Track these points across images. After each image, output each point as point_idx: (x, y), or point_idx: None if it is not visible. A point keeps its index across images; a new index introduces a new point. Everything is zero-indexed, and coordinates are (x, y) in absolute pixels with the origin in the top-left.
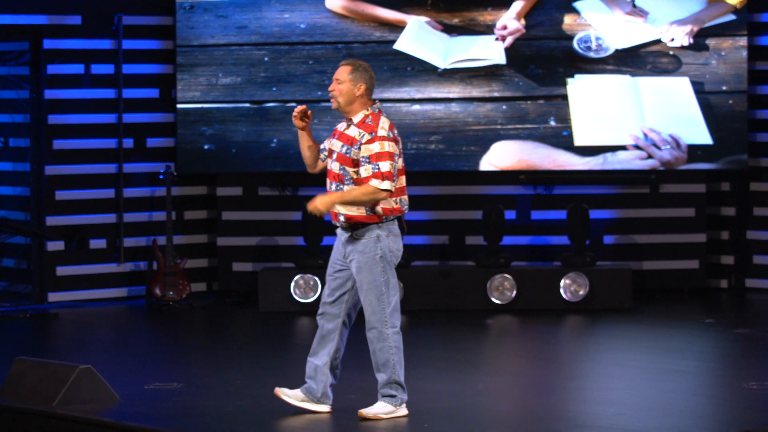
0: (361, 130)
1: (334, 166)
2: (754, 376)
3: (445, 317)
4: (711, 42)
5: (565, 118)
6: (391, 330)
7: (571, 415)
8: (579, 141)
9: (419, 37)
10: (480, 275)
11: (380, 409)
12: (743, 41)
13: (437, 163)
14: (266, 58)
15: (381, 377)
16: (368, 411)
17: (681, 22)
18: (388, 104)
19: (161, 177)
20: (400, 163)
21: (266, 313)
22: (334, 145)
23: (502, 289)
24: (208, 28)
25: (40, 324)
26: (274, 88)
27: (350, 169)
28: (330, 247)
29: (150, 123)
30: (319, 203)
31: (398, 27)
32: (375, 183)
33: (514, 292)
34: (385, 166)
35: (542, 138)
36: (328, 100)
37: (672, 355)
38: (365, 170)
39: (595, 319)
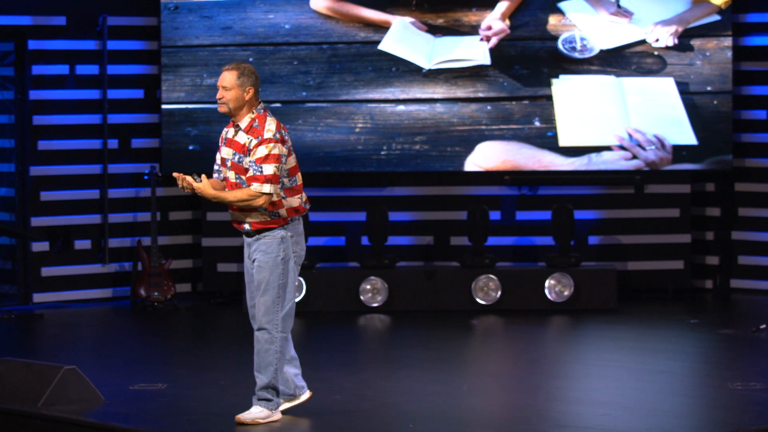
0: (249, 136)
1: (230, 175)
2: (739, 377)
3: (430, 318)
4: (696, 42)
5: (549, 119)
6: (280, 335)
7: (556, 416)
8: (564, 141)
9: (404, 38)
10: (465, 276)
11: (257, 414)
12: (728, 42)
13: (422, 164)
14: (251, 59)
15: (261, 380)
16: (245, 416)
17: (666, 22)
18: (373, 105)
19: (146, 178)
20: (292, 161)
21: None
22: (226, 153)
23: (486, 290)
24: (192, 28)
25: (24, 325)
26: (259, 89)
27: (245, 177)
28: (313, 248)
29: (135, 124)
30: (201, 189)
31: (383, 27)
32: (255, 186)
33: (499, 293)
34: (268, 169)
35: (527, 138)
36: (313, 101)
37: (657, 355)
38: (249, 173)
39: (579, 319)
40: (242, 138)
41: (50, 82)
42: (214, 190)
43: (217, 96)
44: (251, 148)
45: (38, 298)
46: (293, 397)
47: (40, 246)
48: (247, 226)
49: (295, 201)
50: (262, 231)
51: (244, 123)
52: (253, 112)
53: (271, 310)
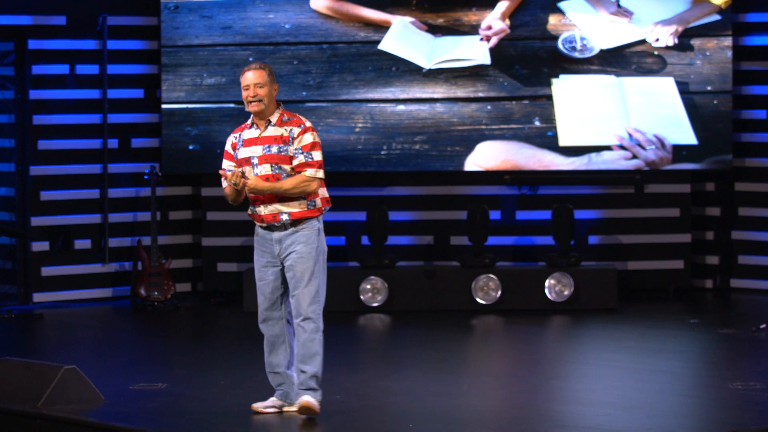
0: (286, 127)
1: (262, 170)
2: (739, 377)
3: (430, 318)
4: (696, 42)
5: (549, 119)
6: (323, 324)
7: (556, 416)
8: (564, 141)
9: (404, 38)
10: (465, 275)
11: (314, 402)
12: (728, 41)
13: (422, 164)
14: (251, 59)
15: (309, 369)
16: (313, 403)
17: (666, 22)
18: (373, 104)
19: (146, 177)
20: None
21: (251, 313)
22: (251, 151)
23: (486, 290)
24: (192, 28)
25: (24, 324)
26: None
27: (287, 167)
28: None
29: (135, 123)
30: (255, 183)
31: (383, 27)
32: (311, 172)
33: (499, 293)
34: (317, 155)
35: (527, 138)
36: (313, 101)
37: (657, 355)
38: (297, 160)
39: (579, 319)
40: (275, 131)
41: (50, 82)
42: (267, 183)
43: (250, 95)
44: (294, 136)
45: (38, 297)
46: (291, 402)
47: (40, 246)
48: (285, 217)
49: (325, 192)
50: (300, 222)
51: (274, 118)
52: (279, 107)
53: (315, 299)
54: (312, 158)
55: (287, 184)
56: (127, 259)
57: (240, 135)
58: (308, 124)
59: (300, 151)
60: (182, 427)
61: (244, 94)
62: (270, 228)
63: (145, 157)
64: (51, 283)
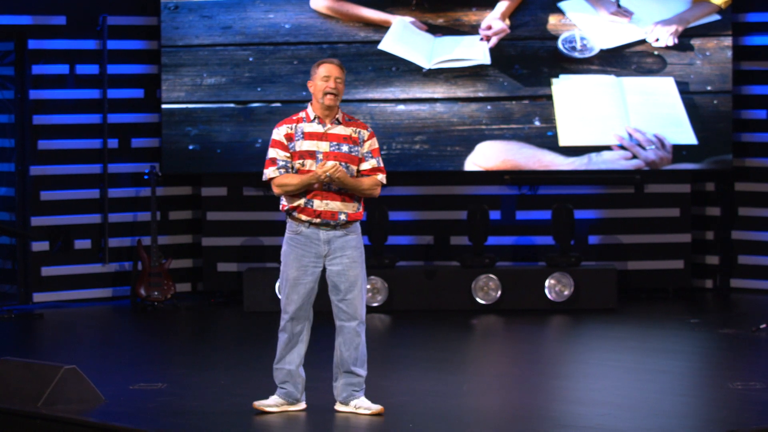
0: (353, 128)
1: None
2: (739, 377)
3: (430, 317)
4: (696, 42)
5: (549, 119)
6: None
7: (556, 415)
8: (564, 141)
9: (404, 38)
10: (465, 275)
11: (371, 404)
12: (728, 41)
13: (422, 164)
14: (251, 59)
15: (363, 373)
16: (375, 407)
17: (666, 22)
18: (373, 104)
19: (146, 177)
20: None
21: (251, 313)
22: (315, 145)
23: (486, 290)
24: (192, 28)
25: (24, 324)
26: (259, 89)
27: (354, 167)
28: None
29: (135, 123)
30: (335, 172)
31: (383, 27)
32: (381, 177)
33: (499, 293)
34: (381, 161)
35: (527, 138)
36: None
37: (657, 355)
38: (369, 164)
39: (579, 319)
40: (344, 129)
41: (50, 82)
42: (347, 177)
43: (330, 86)
44: (365, 139)
45: (38, 297)
46: (295, 401)
47: (40, 246)
48: (343, 216)
49: None
50: (350, 224)
51: (339, 116)
52: (338, 108)
53: (363, 303)
54: (380, 164)
55: (365, 183)
56: (127, 259)
57: (296, 127)
58: (370, 128)
59: (370, 155)
60: (182, 427)
61: (323, 84)
62: (319, 226)
63: (145, 157)
64: (51, 283)
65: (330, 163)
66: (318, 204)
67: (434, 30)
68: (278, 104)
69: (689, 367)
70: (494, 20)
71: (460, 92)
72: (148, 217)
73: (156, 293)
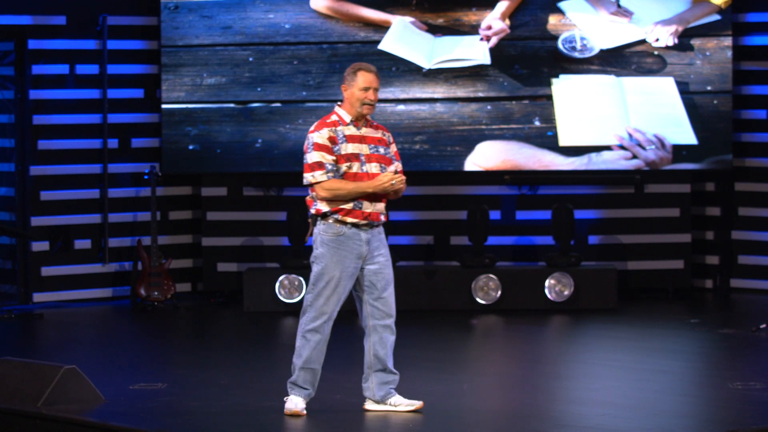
0: (380, 131)
1: (370, 168)
2: (739, 377)
3: (430, 317)
4: (696, 42)
5: (549, 119)
6: None
7: (556, 415)
8: (564, 141)
9: (404, 38)
10: (465, 275)
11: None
12: (728, 41)
13: (422, 164)
14: (251, 59)
15: (396, 371)
16: (416, 403)
17: (666, 22)
18: None
19: (146, 177)
20: None
21: (251, 313)
22: (359, 148)
23: (486, 290)
24: (192, 28)
25: (24, 324)
26: (259, 89)
27: (400, 171)
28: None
29: (135, 123)
30: (399, 182)
31: (383, 27)
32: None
33: (499, 293)
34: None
35: (527, 138)
36: (313, 101)
37: (657, 355)
38: (394, 167)
39: (580, 319)
40: (374, 132)
41: (50, 82)
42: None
43: (370, 97)
44: (390, 142)
45: (38, 297)
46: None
47: (40, 246)
48: (383, 218)
49: None
50: (382, 225)
51: (366, 120)
52: None
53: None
54: (402, 168)
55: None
56: (127, 259)
57: (337, 130)
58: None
59: (394, 158)
60: (182, 427)
61: (363, 94)
62: (361, 227)
63: (145, 157)
64: (51, 283)
65: (399, 176)
66: (367, 206)
67: (434, 30)
68: (278, 104)
69: (689, 367)
70: (494, 20)
71: (460, 92)
72: (148, 217)
73: (156, 293)
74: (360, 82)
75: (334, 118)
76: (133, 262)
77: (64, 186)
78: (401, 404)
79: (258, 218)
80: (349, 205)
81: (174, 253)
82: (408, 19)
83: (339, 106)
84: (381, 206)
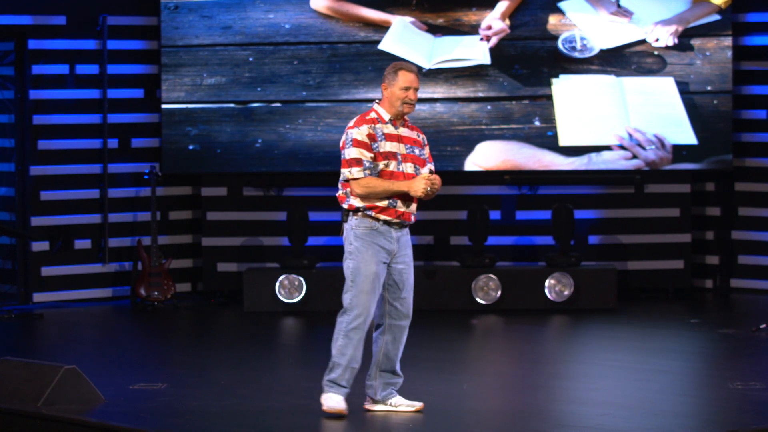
0: (415, 132)
1: (406, 167)
2: (739, 377)
3: (430, 317)
4: (696, 42)
5: (549, 119)
6: None
7: (556, 415)
8: (564, 141)
9: (404, 38)
10: (465, 275)
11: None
12: (728, 41)
13: None
14: (251, 59)
15: (402, 375)
16: (416, 404)
17: (666, 22)
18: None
19: (146, 177)
20: None
21: (251, 313)
22: (396, 147)
23: (486, 290)
24: (192, 28)
25: (24, 324)
26: (259, 89)
27: (433, 171)
28: (313, 248)
29: (135, 123)
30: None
31: (383, 27)
32: None
33: (499, 293)
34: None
35: (527, 138)
36: (313, 101)
37: (657, 355)
38: (427, 168)
39: (580, 319)
40: (410, 133)
41: (50, 82)
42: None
43: (410, 96)
44: (425, 143)
45: (38, 297)
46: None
47: (40, 246)
48: (413, 218)
49: None
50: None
51: (403, 119)
52: None
53: None
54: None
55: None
56: (127, 259)
57: (376, 127)
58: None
59: (428, 160)
60: (182, 427)
61: (403, 94)
62: (392, 225)
63: (145, 157)
64: (51, 283)
65: (435, 177)
66: (401, 205)
67: (434, 30)
68: (278, 104)
69: (689, 367)
70: (494, 20)
71: (460, 92)
72: (148, 217)
73: (156, 293)
74: (401, 81)
75: (373, 115)
76: (133, 262)
77: (64, 186)
78: (401, 405)
79: (258, 218)
80: (383, 203)
81: (174, 253)
82: (408, 19)
83: (378, 103)
84: (413, 207)
